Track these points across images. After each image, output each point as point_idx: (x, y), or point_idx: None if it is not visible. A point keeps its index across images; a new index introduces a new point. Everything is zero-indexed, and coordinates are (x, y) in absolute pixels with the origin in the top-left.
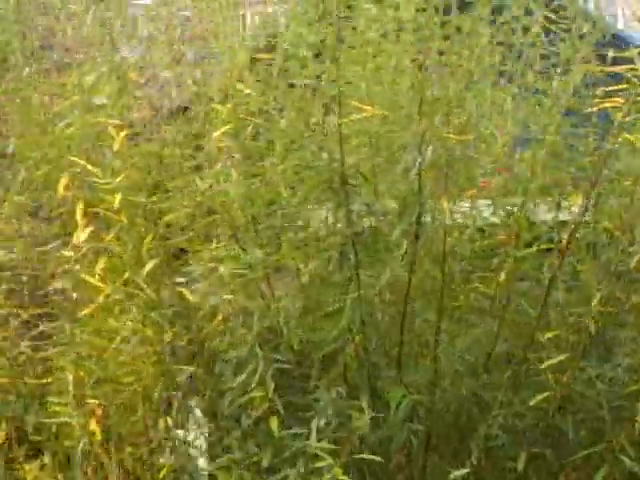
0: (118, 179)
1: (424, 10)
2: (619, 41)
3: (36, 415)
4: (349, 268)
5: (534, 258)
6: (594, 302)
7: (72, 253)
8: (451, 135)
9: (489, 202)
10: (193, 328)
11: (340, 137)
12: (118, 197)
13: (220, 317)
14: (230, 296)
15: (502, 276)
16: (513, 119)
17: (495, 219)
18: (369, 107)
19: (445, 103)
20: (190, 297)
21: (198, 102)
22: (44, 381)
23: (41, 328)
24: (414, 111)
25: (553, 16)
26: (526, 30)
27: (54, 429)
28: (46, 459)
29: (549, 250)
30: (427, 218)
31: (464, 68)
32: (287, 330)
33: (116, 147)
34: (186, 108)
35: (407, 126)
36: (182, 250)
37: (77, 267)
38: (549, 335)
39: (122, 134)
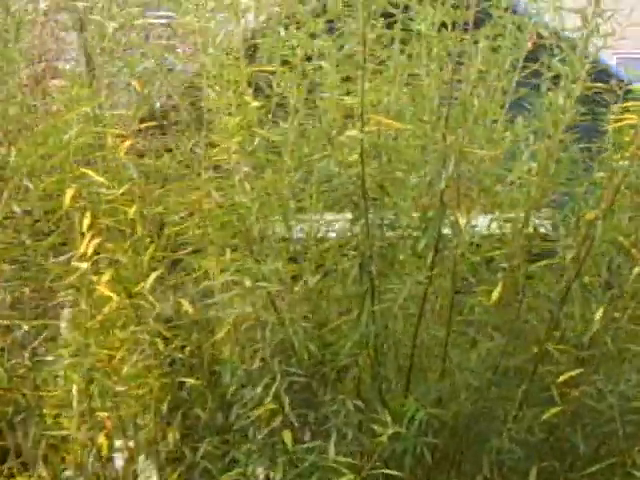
0: (121, 190)
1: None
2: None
3: (35, 427)
4: (366, 281)
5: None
6: (597, 317)
7: (83, 264)
8: (475, 150)
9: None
10: (199, 340)
11: (361, 150)
12: (133, 209)
13: (231, 329)
14: (244, 309)
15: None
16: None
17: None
18: (391, 121)
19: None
20: (189, 309)
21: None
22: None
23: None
24: (440, 125)
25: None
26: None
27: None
28: (43, 472)
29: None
30: (446, 231)
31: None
32: (298, 343)
33: (119, 157)
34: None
35: (430, 140)
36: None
37: (84, 278)
38: (557, 348)
39: (125, 144)
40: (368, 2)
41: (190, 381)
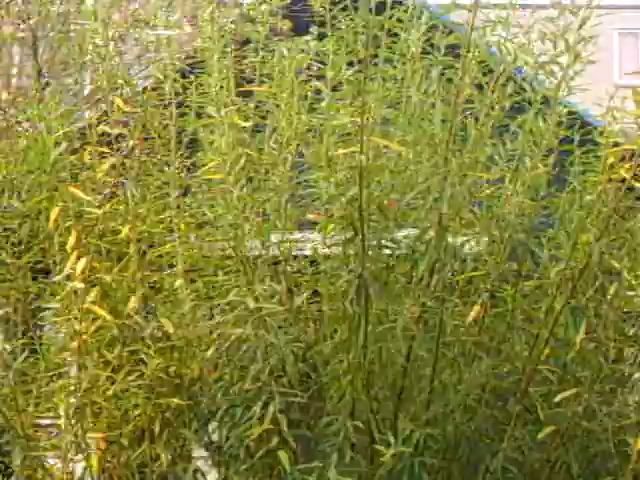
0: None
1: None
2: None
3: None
4: (361, 303)
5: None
6: (578, 338)
7: (77, 284)
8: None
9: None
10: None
11: (360, 172)
12: (126, 229)
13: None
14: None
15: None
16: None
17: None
18: (392, 144)
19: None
20: (171, 329)
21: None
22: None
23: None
24: (441, 149)
25: None
26: None
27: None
28: None
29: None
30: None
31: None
32: (290, 366)
33: (100, 176)
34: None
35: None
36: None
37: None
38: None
39: (108, 163)
40: (370, 25)
41: (175, 401)
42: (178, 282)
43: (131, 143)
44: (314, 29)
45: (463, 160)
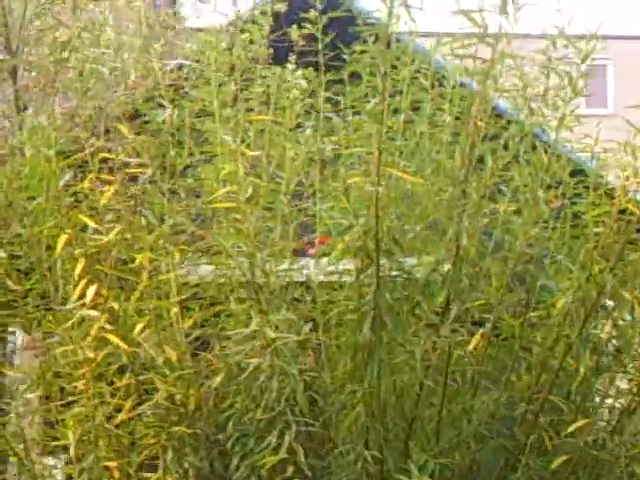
0: (111, 235)
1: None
2: None
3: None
4: (376, 333)
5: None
6: (582, 369)
7: (91, 312)
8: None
9: None
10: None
11: (377, 202)
12: (140, 257)
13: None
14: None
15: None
16: None
17: None
18: (408, 175)
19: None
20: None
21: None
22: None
23: None
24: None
25: None
26: None
27: None
28: None
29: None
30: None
31: None
32: (300, 395)
33: (104, 202)
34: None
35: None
36: None
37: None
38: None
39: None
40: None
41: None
42: (173, 311)
43: (149, 172)
44: (293, 58)
45: (480, 192)
